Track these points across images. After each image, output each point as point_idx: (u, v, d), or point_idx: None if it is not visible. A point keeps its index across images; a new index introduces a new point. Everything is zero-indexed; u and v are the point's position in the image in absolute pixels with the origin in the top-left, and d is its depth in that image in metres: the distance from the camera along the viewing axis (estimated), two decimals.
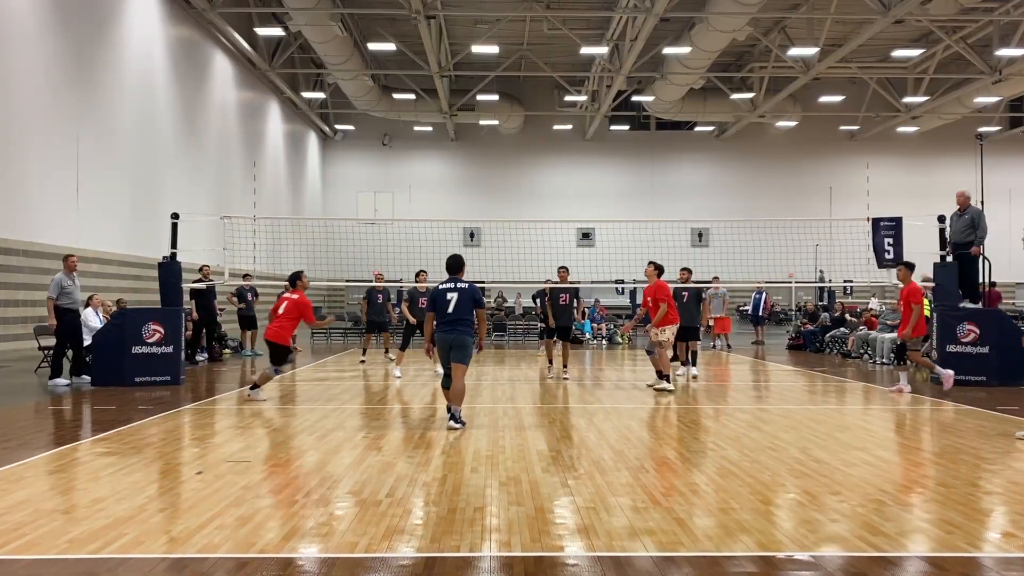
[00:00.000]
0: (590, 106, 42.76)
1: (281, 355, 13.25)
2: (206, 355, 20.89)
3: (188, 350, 18.99)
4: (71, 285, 15.43)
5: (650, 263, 15.44)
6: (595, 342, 28.59)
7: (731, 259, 25.99)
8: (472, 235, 44.00)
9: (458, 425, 10.38)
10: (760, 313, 28.71)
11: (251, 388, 13.41)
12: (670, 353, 15.11)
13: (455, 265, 10.93)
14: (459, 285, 10.73)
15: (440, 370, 12.33)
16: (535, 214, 42.20)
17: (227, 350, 22.60)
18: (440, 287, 10.86)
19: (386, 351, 21.36)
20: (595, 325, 29.44)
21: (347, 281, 30.46)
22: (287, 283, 13.79)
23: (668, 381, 14.66)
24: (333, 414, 11.73)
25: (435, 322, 10.82)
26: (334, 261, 29.89)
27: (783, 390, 15.38)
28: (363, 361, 20.40)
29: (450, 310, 10.59)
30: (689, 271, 17.34)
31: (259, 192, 34.84)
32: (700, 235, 44.05)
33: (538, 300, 21.78)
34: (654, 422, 11.30)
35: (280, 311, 13.26)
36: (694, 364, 17.00)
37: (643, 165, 48.24)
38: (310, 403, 12.96)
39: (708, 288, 22.98)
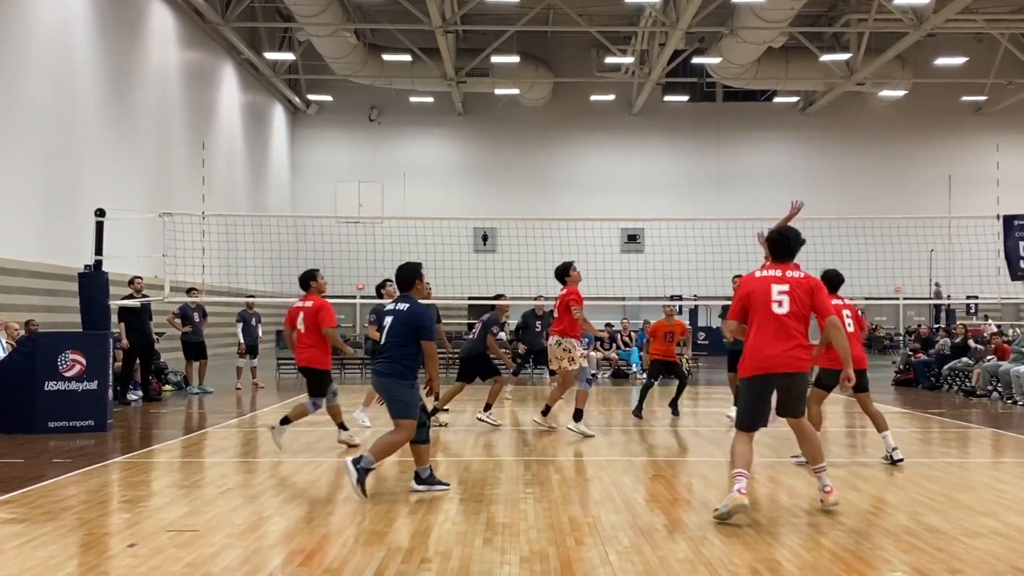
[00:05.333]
0: (638, 71, 42.83)
1: (320, 384, 13.59)
2: (140, 393, 20.95)
3: (117, 386, 19.03)
4: None
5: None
6: (644, 376, 28.48)
7: (820, 267, 25.92)
8: (485, 238, 44.16)
9: (354, 479, 9.78)
10: None
11: (280, 423, 13.17)
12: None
13: (403, 278, 10.66)
14: (399, 307, 10.41)
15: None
16: (566, 211, 42.22)
17: (168, 386, 22.65)
18: (386, 307, 10.78)
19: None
20: (644, 355, 29.36)
21: (323, 297, 30.42)
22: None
23: (579, 421, 15.13)
24: (305, 469, 11.75)
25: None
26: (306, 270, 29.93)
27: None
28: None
29: (383, 339, 10.38)
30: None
31: (209, 182, 35.01)
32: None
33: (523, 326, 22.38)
34: (720, 480, 11.28)
35: (301, 327, 13.59)
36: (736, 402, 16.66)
37: (707, 147, 48.26)
38: (275, 454, 13.00)
39: None
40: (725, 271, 25.39)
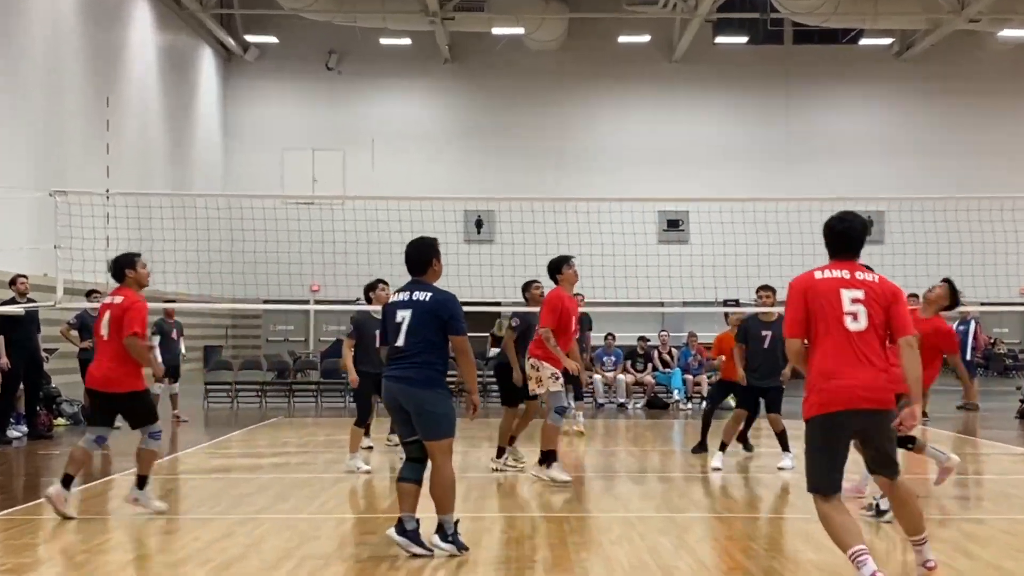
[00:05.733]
0: (681, 4, 42.81)
1: (140, 409, 12.81)
2: (25, 428, 20.93)
3: None
4: None
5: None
6: (689, 406, 28.47)
7: (919, 263, 25.95)
8: (479, 224, 44.06)
9: (448, 547, 10.18)
10: (969, 357, 28.41)
11: (137, 487, 12.74)
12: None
13: (417, 258, 10.73)
14: (416, 296, 10.46)
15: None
16: (586, 189, 42.15)
17: (61, 419, 22.63)
18: (392, 299, 10.89)
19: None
20: (689, 378, 29.25)
21: (266, 302, 30.42)
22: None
23: (550, 465, 14.88)
24: (241, 528, 11.76)
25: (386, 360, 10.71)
26: (245, 268, 29.93)
27: (1008, 489, 15.31)
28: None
29: (400, 340, 10.38)
30: (772, 291, 17.16)
31: (116, 150, 34.97)
32: (868, 222, 44.02)
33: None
34: (786, 540, 11.30)
35: (104, 333, 12.63)
36: (786, 447, 16.65)
37: (772, 104, 48.14)
38: (204, 510, 13.01)
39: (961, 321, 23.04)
40: (796, 267, 25.38)
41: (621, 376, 28.60)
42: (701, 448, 17.90)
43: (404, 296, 10.48)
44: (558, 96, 47.73)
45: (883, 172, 45.59)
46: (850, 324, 8.34)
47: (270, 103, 48.79)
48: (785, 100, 48.03)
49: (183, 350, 24.93)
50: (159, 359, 23.83)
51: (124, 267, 12.80)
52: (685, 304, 34.30)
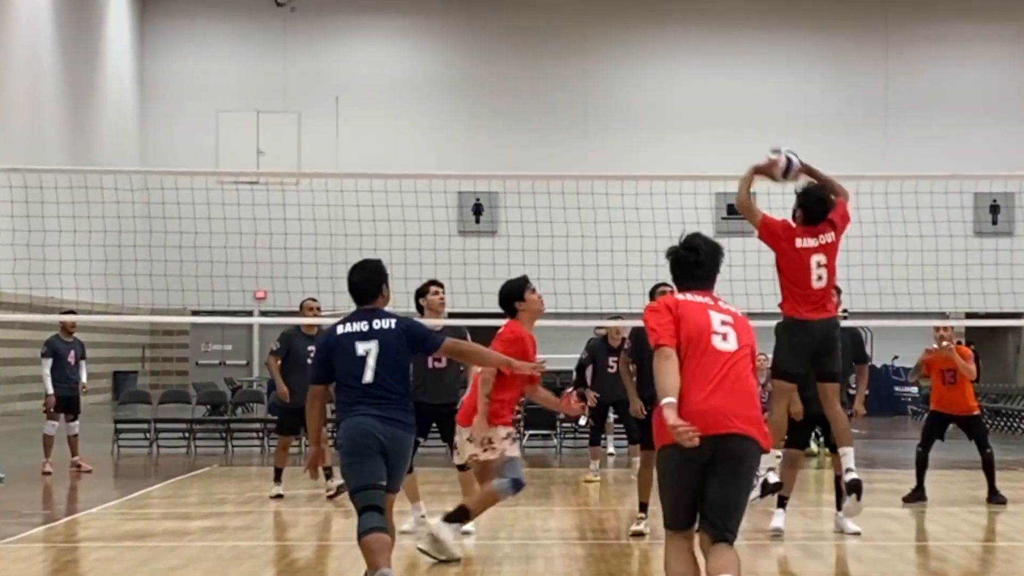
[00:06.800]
0: None
1: None
2: None
3: None
4: None
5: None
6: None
7: None
8: (478, 210, 44.15)
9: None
10: None
11: None
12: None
13: (365, 285, 11.69)
14: (377, 324, 11.31)
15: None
16: (618, 164, 42.11)
17: None
18: (339, 330, 11.50)
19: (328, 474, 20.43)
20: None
21: (195, 314, 30.20)
22: None
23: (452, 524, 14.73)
24: None
25: (340, 401, 11.36)
26: (168, 269, 29.74)
27: None
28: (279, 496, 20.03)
29: (368, 376, 11.04)
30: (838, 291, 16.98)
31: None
32: (994, 209, 43.96)
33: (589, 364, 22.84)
34: None
35: None
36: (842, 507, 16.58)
37: (865, 52, 48.26)
38: None
39: None
40: (895, 265, 25.14)
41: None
42: (918, 496, 18.78)
43: (361, 326, 11.31)
44: (583, 41, 47.93)
45: (1013, 142, 45.47)
46: (719, 344, 9.19)
47: (201, 50, 48.93)
48: (884, 47, 48.24)
49: (84, 378, 24.77)
50: (51, 389, 23.77)
51: None
52: (750, 314, 33.98)
